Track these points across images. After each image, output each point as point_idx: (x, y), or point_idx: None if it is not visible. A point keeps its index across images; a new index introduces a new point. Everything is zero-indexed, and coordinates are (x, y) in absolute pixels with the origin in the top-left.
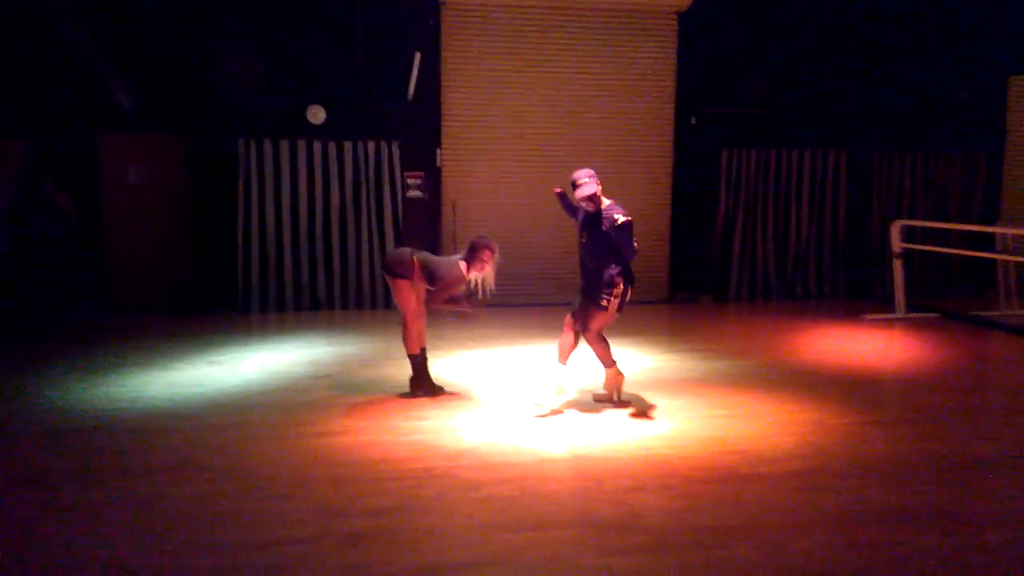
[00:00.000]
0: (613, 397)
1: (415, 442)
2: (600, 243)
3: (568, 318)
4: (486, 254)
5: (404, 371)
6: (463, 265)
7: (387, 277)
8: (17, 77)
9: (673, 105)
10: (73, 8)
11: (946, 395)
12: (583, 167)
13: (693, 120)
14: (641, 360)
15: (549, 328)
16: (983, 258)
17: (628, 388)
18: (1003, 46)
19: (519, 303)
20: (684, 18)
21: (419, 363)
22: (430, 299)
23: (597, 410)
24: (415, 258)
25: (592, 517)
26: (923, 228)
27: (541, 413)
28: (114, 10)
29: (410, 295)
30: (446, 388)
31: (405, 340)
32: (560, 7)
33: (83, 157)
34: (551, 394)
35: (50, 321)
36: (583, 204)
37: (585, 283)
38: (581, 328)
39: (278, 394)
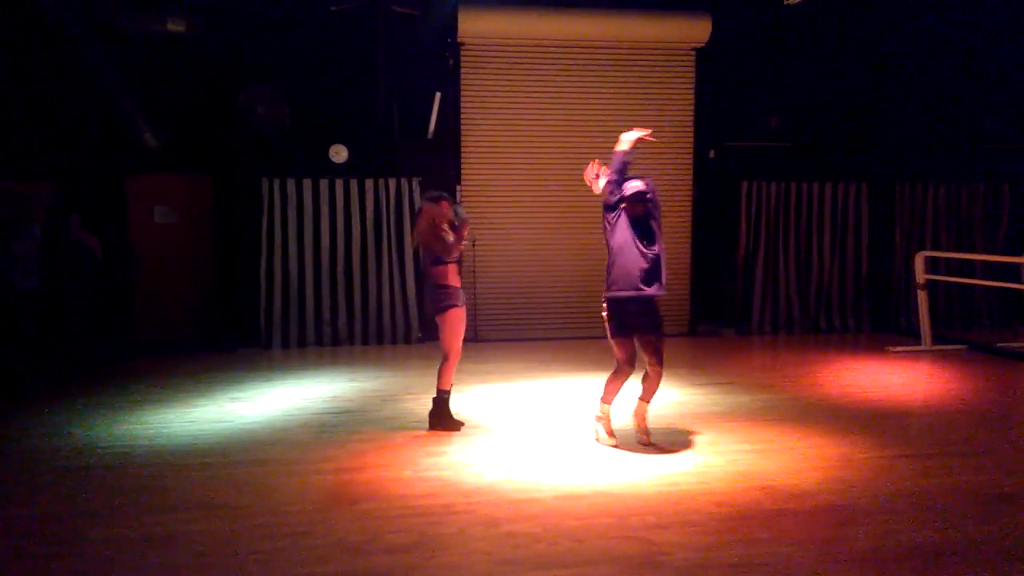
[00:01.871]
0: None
1: (434, 478)
2: (660, 251)
3: (624, 362)
4: (444, 205)
5: (424, 407)
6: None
7: (437, 317)
8: (44, 118)
9: (692, 139)
10: (100, 50)
11: (975, 428)
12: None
13: (712, 154)
14: (664, 394)
15: (568, 362)
16: (1009, 289)
17: (651, 423)
18: None
19: (538, 337)
20: (702, 53)
21: (445, 400)
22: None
23: (619, 445)
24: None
25: (615, 554)
26: (947, 259)
27: (611, 444)
28: (141, 52)
29: (458, 332)
30: (465, 423)
31: (442, 375)
32: (577, 44)
33: (110, 197)
34: (603, 431)
35: (76, 358)
36: (633, 207)
37: (642, 308)
38: (657, 361)
39: (299, 430)
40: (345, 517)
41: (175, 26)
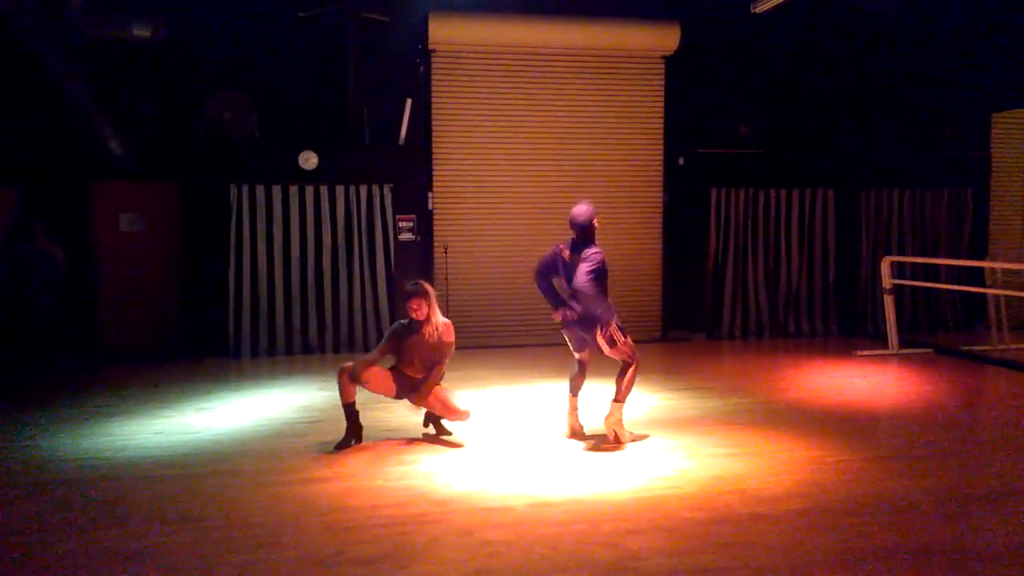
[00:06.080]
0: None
1: (406, 487)
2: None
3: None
4: (423, 296)
5: (394, 415)
6: (434, 324)
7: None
8: (8, 124)
9: (662, 146)
10: (65, 56)
11: (942, 430)
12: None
13: (682, 161)
14: (637, 399)
15: (541, 369)
16: (973, 293)
17: (624, 427)
18: (986, 84)
19: (510, 344)
20: (671, 61)
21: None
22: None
23: (591, 452)
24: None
25: (588, 561)
26: (913, 264)
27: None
28: (106, 57)
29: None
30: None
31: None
32: (548, 52)
33: (74, 204)
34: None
35: (39, 369)
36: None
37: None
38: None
39: (268, 440)
40: (315, 528)
41: (141, 31)
